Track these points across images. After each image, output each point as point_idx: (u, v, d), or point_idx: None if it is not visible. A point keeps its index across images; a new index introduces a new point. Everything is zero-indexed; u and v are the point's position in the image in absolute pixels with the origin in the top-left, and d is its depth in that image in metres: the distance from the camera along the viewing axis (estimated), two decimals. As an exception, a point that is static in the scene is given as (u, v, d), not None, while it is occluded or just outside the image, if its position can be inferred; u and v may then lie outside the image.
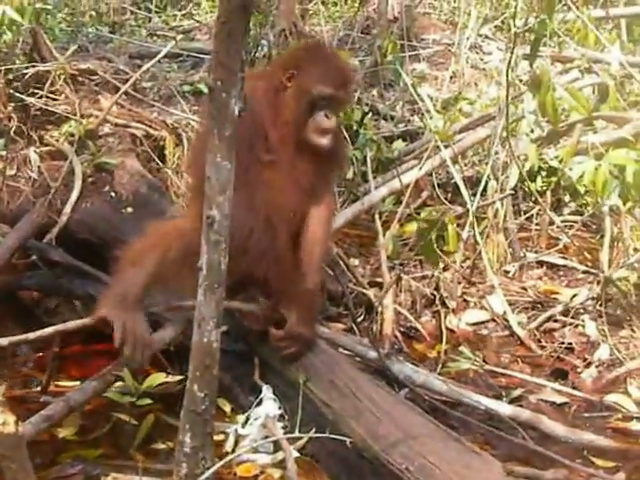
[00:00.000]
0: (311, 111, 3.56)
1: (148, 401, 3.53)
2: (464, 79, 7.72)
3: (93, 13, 9.23)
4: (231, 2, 2.09)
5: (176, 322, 3.65)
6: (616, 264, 4.91)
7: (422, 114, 6.44)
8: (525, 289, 5.11)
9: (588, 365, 4.40)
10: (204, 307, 2.36)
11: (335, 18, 10.09)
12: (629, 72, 5.87)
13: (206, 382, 2.45)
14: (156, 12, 10.53)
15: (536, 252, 5.49)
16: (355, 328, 4.50)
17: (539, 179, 5.84)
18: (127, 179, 5.17)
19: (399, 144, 6.45)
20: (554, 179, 5.83)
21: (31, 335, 3.42)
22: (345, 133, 5.89)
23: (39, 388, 3.95)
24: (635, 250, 4.93)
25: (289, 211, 3.62)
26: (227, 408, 3.74)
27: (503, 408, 3.71)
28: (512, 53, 4.53)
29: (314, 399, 3.51)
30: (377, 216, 5.27)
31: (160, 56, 6.28)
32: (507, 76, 4.38)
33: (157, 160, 5.58)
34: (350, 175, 6.00)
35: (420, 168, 5.16)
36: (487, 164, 5.39)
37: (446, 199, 5.53)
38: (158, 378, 3.59)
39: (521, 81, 6.26)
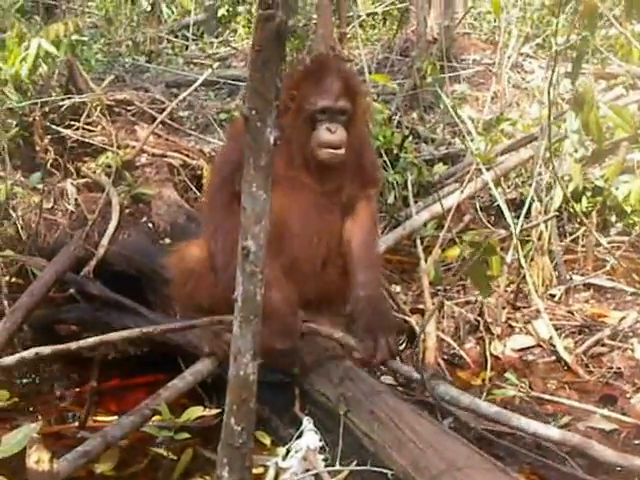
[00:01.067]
0: (313, 127, 3.58)
1: (186, 435, 3.54)
2: (506, 99, 7.68)
3: (130, 43, 9.31)
4: (265, 30, 2.09)
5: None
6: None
7: (463, 136, 6.41)
8: (572, 313, 5.03)
9: (638, 390, 4.30)
10: (240, 339, 2.35)
11: (373, 41, 10.12)
12: (674, 87, 5.82)
13: (243, 415, 2.44)
14: (193, 40, 10.64)
15: (582, 274, 5.41)
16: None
17: (584, 199, 5.78)
18: (164, 209, 5.21)
19: (440, 167, 6.43)
20: (600, 199, 5.76)
21: (73, 345, 3.48)
22: (385, 157, 5.95)
23: (77, 423, 3.95)
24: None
25: (320, 232, 3.66)
26: (267, 440, 3.70)
27: (552, 432, 3.62)
28: (553, 71, 4.47)
29: (355, 430, 3.47)
30: (419, 241, 5.22)
31: (196, 85, 6.35)
32: (548, 95, 4.34)
33: (194, 189, 5.60)
34: (391, 200, 5.98)
35: (462, 191, 5.13)
36: (530, 186, 5.33)
37: (489, 222, 5.49)
38: (195, 412, 3.58)
39: (564, 100, 6.21)
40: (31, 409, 4.23)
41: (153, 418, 3.51)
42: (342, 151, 3.59)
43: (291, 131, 3.53)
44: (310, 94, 3.57)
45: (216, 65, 8.89)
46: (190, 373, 3.71)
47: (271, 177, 2.24)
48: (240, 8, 11.10)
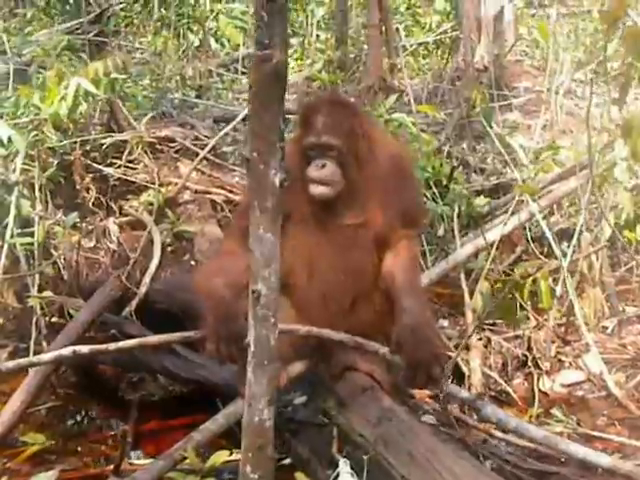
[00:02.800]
0: (307, 164, 3.59)
1: (213, 480, 3.51)
2: (558, 127, 7.58)
3: (178, 78, 9.39)
4: (262, 71, 2.08)
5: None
6: None
7: (514, 165, 6.34)
8: (624, 346, 4.94)
9: (691, 426, 4.20)
10: (254, 385, 2.33)
11: (425, 70, 10.09)
12: None
13: (259, 463, 2.41)
14: (243, 73, 10.68)
15: (636, 306, 5.30)
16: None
17: (638, 228, 5.66)
18: (207, 246, 5.22)
19: (481, 200, 6.34)
20: (656, 228, 5.64)
21: (111, 345, 3.49)
22: (435, 188, 5.90)
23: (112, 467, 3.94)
24: None
25: (346, 268, 3.65)
26: (306, 482, 3.67)
27: (602, 459, 3.45)
28: (591, 98, 4.40)
29: (392, 472, 3.41)
30: (462, 275, 5.15)
31: (237, 120, 6.35)
32: (587, 124, 4.27)
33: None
34: (441, 232, 5.93)
35: (505, 224, 5.05)
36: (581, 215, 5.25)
37: (541, 253, 5.40)
38: (221, 456, 3.55)
39: (617, 126, 6.11)
40: (71, 451, 4.26)
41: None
42: (330, 187, 3.58)
43: (294, 170, 3.49)
44: (302, 131, 3.64)
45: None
46: (222, 416, 3.69)
47: (281, 218, 2.22)
48: (293, 40, 11.14)
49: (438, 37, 10.57)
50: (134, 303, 4.85)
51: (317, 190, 3.57)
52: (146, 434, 4.35)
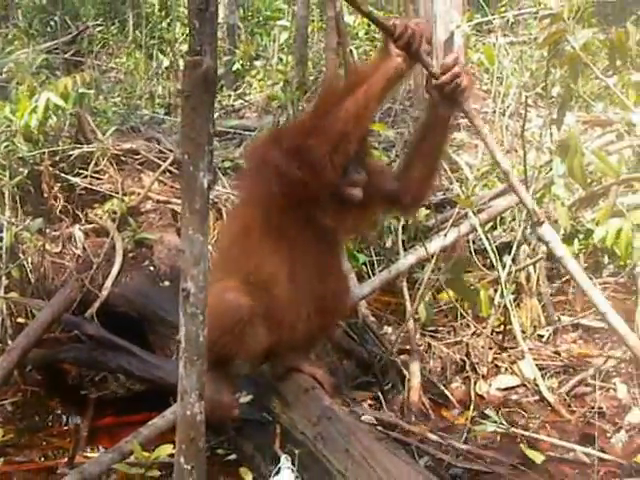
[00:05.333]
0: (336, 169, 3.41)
1: (157, 472, 3.45)
2: (504, 146, 7.58)
3: (148, 96, 9.37)
4: (193, 76, 2.05)
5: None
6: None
7: (460, 182, 6.34)
8: (558, 353, 4.92)
9: (618, 429, 4.17)
10: (185, 380, 2.27)
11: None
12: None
13: (192, 455, 2.35)
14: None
15: (572, 315, 5.29)
16: (381, 396, 4.41)
17: (576, 242, 5.66)
18: (165, 253, 5.19)
19: (424, 212, 6.32)
20: (591, 241, 5.65)
21: None
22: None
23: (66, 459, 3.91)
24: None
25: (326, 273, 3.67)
26: (249, 477, 3.62)
27: None
28: (524, 120, 4.41)
29: (330, 468, 3.38)
30: (404, 284, 5.12)
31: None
32: (523, 143, 4.27)
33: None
34: (389, 244, 5.91)
35: (445, 236, 5.03)
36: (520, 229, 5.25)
37: (484, 265, 5.39)
38: (165, 449, 3.49)
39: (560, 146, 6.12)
40: (29, 445, 4.22)
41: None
42: (361, 190, 3.51)
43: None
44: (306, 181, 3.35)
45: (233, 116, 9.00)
46: (171, 412, 3.63)
47: (208, 220, 2.18)
48: (257, 62, 11.15)
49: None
50: (96, 305, 4.83)
51: (355, 192, 3.47)
52: (102, 429, 4.31)
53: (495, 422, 4.11)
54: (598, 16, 10.76)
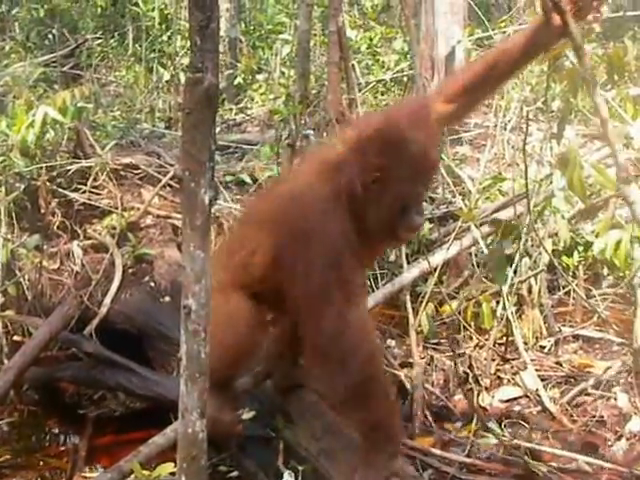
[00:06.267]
0: (403, 211, 3.14)
1: (158, 492, 3.43)
2: (505, 160, 7.59)
3: (148, 110, 9.37)
4: (195, 93, 2.04)
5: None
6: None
7: (463, 195, 6.34)
8: (560, 363, 4.92)
9: (619, 438, 4.18)
10: (186, 397, 2.26)
11: (383, 106, 10.08)
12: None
13: (194, 473, 2.34)
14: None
15: (572, 326, 5.29)
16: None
17: (576, 254, 5.66)
18: (166, 269, 5.17)
19: (428, 226, 6.30)
20: (590, 253, 5.65)
21: None
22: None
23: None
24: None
25: None
26: (252, 494, 3.62)
27: None
28: (526, 134, 4.41)
29: (336, 484, 3.38)
30: (408, 297, 5.11)
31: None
32: (524, 156, 4.26)
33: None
34: (392, 257, 5.90)
35: (447, 249, 5.03)
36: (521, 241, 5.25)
37: (486, 277, 5.38)
38: (166, 468, 3.47)
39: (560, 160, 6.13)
40: (27, 465, 4.19)
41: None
42: None
43: (375, 217, 3.14)
44: (405, 178, 3.08)
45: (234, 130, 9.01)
46: (172, 429, 3.61)
47: (209, 236, 2.18)
48: (259, 76, 11.16)
49: (396, 75, 10.61)
50: (95, 322, 4.80)
51: (410, 237, 3.52)
52: (102, 448, 4.28)
53: (497, 436, 4.10)
54: (598, 32, 10.79)
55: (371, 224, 3.16)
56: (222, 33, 12.46)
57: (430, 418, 4.44)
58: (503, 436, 4.11)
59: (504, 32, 8.95)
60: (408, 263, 5.67)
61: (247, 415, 3.84)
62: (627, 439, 4.15)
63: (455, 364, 4.66)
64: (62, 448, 4.39)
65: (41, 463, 4.23)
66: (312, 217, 3.08)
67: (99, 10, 13.16)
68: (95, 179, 5.74)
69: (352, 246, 3.07)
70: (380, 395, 3.08)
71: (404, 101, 3.69)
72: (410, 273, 5.11)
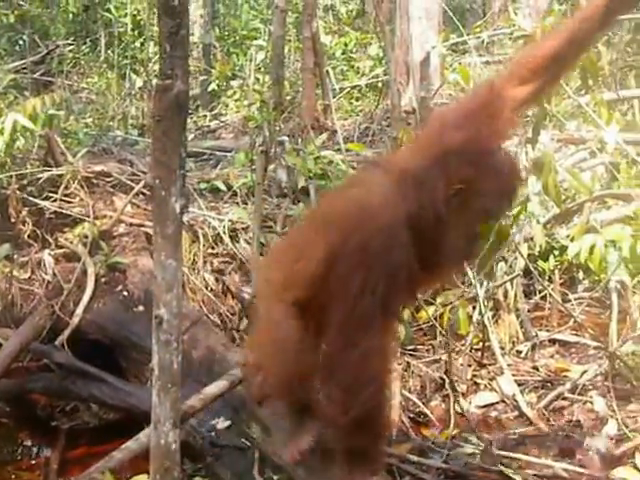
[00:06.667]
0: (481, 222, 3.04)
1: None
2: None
3: (121, 116, 9.33)
4: (164, 100, 2.04)
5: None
6: (624, 339, 4.72)
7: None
8: (536, 368, 4.93)
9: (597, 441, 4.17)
10: (159, 408, 2.25)
11: (358, 112, 10.12)
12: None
13: (167, 484, 2.33)
14: (189, 113, 10.66)
15: (549, 330, 5.30)
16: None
17: (552, 258, 5.69)
18: (139, 278, 5.14)
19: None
20: (566, 257, 5.68)
21: None
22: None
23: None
24: (643, 324, 4.74)
25: None
26: (228, 504, 3.60)
27: None
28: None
29: (313, 494, 3.37)
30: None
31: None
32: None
33: (172, 257, 5.50)
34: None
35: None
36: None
37: (462, 282, 5.39)
38: (141, 479, 3.46)
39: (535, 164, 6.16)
40: (-1, 479, 4.15)
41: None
42: None
43: (455, 235, 2.98)
44: (491, 194, 2.97)
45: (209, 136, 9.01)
46: (145, 435, 3.58)
47: (181, 245, 2.17)
48: (233, 82, 11.15)
49: (371, 81, 10.64)
50: (66, 333, 4.74)
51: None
52: (74, 461, 4.25)
53: (474, 444, 4.11)
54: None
55: (447, 241, 2.97)
56: (196, 39, 12.49)
57: (407, 424, 4.42)
58: (479, 445, 4.11)
59: (478, 37, 9.02)
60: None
61: (222, 424, 3.83)
62: (604, 443, 4.15)
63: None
64: (34, 461, 4.33)
65: (13, 477, 4.17)
66: (377, 238, 2.88)
67: (70, 16, 13.15)
68: (66, 187, 5.69)
69: (409, 276, 2.91)
70: (379, 425, 3.03)
71: (474, 94, 3.41)
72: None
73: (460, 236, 2.97)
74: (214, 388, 3.60)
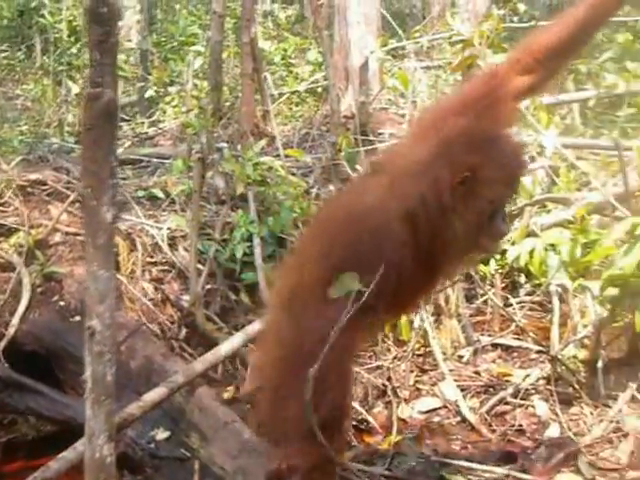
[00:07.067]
0: (490, 217, 2.95)
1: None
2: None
3: (57, 124, 9.23)
4: (94, 109, 2.01)
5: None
6: (565, 342, 4.77)
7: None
8: (478, 373, 4.97)
9: (538, 446, 4.20)
10: (93, 421, 2.22)
11: (297, 117, 10.13)
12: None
13: (103, 499, 2.30)
14: (126, 120, 10.59)
15: (490, 335, 5.35)
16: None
17: (492, 262, 5.74)
18: (76, 287, 5.06)
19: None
20: (506, 261, 5.73)
21: None
22: (302, 228, 5.87)
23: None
24: (584, 327, 4.79)
25: None
26: (167, 516, 3.57)
27: None
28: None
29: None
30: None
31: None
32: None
33: (110, 266, 5.44)
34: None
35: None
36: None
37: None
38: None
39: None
40: None
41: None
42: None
43: (461, 223, 2.92)
44: (498, 181, 2.92)
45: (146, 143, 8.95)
46: (82, 443, 3.53)
47: (114, 255, 2.14)
48: (171, 89, 11.09)
49: (310, 86, 10.67)
50: (2, 344, 4.67)
51: (495, 246, 3.15)
52: (11, 475, 4.18)
53: (416, 452, 4.14)
54: (510, 41, 11.02)
55: (452, 234, 2.93)
56: (133, 45, 12.39)
57: (350, 432, 4.42)
58: (421, 453, 4.13)
59: (417, 42, 9.09)
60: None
61: (161, 435, 3.80)
62: (546, 447, 4.18)
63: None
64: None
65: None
66: (365, 239, 2.83)
67: (5, 21, 12.97)
68: (1, 196, 5.60)
69: (404, 277, 2.83)
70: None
71: (475, 83, 3.35)
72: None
73: (466, 227, 2.92)
74: (154, 395, 3.55)
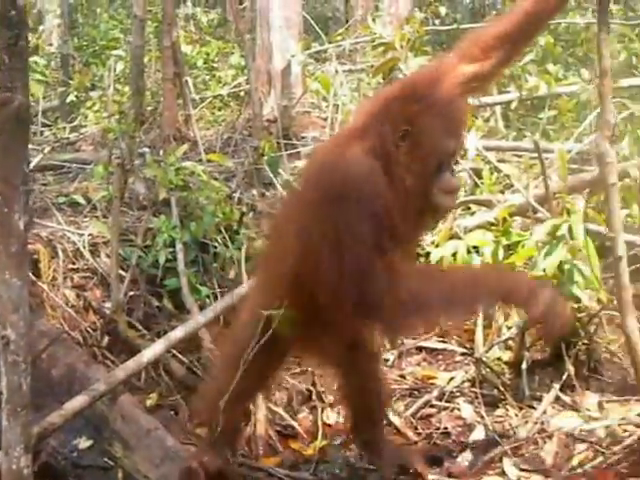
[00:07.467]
0: (437, 170, 3.02)
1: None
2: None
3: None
4: (4, 114, 1.98)
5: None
6: (490, 344, 4.83)
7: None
8: (403, 376, 5.00)
9: (464, 449, 4.24)
10: (9, 433, 2.19)
11: (220, 122, 10.08)
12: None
13: (21, 512, 2.26)
14: (47, 126, 10.42)
15: (414, 338, 5.37)
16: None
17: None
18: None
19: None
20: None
21: None
22: (225, 233, 5.84)
23: None
24: (508, 328, 4.85)
25: None
26: (89, 527, 3.53)
27: None
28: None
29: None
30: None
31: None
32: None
33: (30, 274, 5.35)
34: (232, 275, 5.85)
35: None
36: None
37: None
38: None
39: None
40: None
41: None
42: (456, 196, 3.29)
43: (409, 177, 3.00)
44: (437, 134, 3.01)
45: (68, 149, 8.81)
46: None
47: (27, 262, 2.11)
48: (93, 93, 10.94)
49: (233, 90, 10.63)
50: None
51: (449, 201, 3.12)
52: None
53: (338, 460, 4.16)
54: (434, 44, 11.15)
55: (405, 188, 3.00)
56: (53, 49, 12.20)
57: (275, 438, 4.42)
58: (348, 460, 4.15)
59: (339, 45, 9.13)
60: (249, 279, 5.66)
61: (84, 444, 3.76)
62: (471, 449, 4.22)
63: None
64: None
65: None
66: (346, 180, 2.89)
67: None
68: None
69: (390, 212, 2.91)
70: None
71: (422, 70, 3.69)
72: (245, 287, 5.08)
73: (416, 181, 2.99)
74: (75, 403, 3.50)
